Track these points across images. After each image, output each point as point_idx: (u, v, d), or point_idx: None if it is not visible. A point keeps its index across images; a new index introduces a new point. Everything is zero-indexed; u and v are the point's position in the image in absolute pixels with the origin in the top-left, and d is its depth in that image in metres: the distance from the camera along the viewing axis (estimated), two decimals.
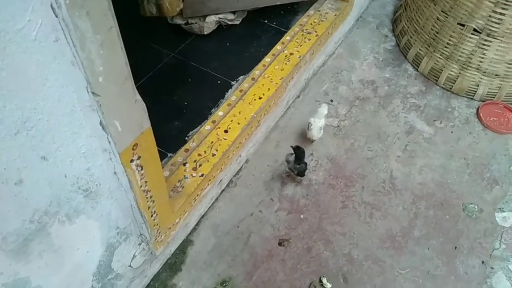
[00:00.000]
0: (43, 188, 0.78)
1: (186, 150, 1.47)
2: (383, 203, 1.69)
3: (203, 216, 1.60)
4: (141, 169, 0.98)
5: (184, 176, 1.38)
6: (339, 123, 1.95)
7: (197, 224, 1.57)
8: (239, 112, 1.57)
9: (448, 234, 1.61)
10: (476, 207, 1.70)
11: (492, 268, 1.54)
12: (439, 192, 1.73)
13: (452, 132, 1.96)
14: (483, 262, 1.55)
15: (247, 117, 1.56)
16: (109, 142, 0.86)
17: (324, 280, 1.45)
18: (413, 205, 1.69)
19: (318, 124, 1.76)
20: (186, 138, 1.52)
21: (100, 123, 0.81)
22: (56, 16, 0.63)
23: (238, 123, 1.54)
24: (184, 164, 1.42)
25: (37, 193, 0.77)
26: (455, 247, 1.58)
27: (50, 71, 0.67)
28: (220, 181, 1.62)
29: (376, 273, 1.50)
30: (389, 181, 1.76)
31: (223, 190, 1.68)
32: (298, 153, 1.61)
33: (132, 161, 0.93)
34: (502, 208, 1.70)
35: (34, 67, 0.65)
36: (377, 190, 1.72)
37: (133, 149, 0.92)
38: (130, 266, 1.21)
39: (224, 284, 1.43)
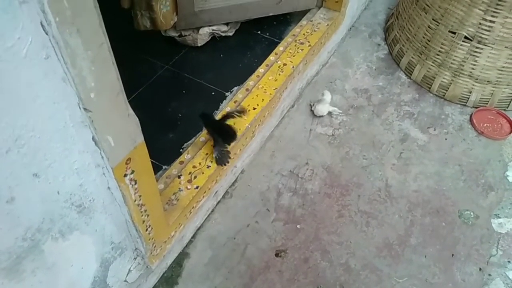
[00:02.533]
0: (36, 205, 0.77)
1: (181, 162, 1.46)
2: (379, 211, 1.69)
3: (199, 228, 1.59)
4: (135, 184, 0.97)
5: (179, 188, 1.38)
6: (334, 132, 1.95)
7: (193, 237, 1.57)
8: (234, 123, 1.57)
9: (445, 242, 1.61)
10: (472, 213, 1.70)
11: (489, 275, 1.53)
12: (434, 199, 1.74)
13: (446, 139, 1.96)
14: (480, 269, 1.55)
15: (242, 128, 1.56)
16: (102, 157, 0.85)
17: None
18: (409, 213, 1.69)
19: (325, 105, 1.97)
20: (181, 150, 1.52)
21: (93, 138, 0.81)
22: (46, 34, 0.63)
23: None
24: (179, 177, 1.41)
25: (29, 211, 0.76)
26: (452, 255, 1.58)
27: (41, 88, 0.67)
28: (216, 192, 1.61)
29: (373, 283, 1.49)
30: (384, 189, 1.76)
31: (218, 202, 1.67)
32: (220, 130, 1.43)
33: (125, 175, 0.93)
34: (498, 214, 1.70)
35: (25, 85, 0.64)
36: (373, 199, 1.72)
37: (126, 163, 0.91)
38: (125, 281, 1.20)
39: None
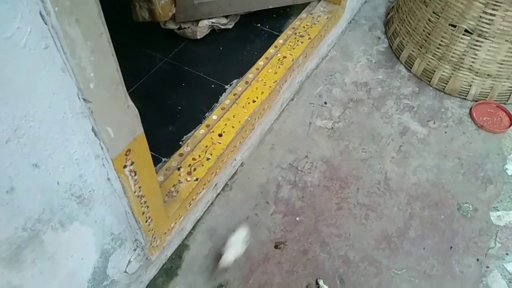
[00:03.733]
0: (36, 195, 0.77)
1: (181, 155, 1.46)
2: (378, 204, 1.69)
3: (198, 221, 1.59)
4: (135, 175, 0.97)
5: (179, 180, 1.38)
6: (333, 125, 1.95)
7: (193, 229, 1.57)
8: (233, 116, 1.58)
9: (444, 234, 1.62)
10: (470, 206, 1.70)
11: (487, 267, 1.54)
12: (433, 192, 1.74)
13: (445, 132, 1.97)
14: (478, 261, 1.55)
15: (241, 121, 1.56)
16: (102, 148, 0.85)
17: (321, 282, 1.45)
18: (408, 206, 1.69)
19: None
20: (180, 143, 1.52)
21: (92, 129, 0.81)
22: (46, 24, 0.62)
23: (232, 127, 1.54)
24: (179, 169, 1.41)
25: (29, 201, 0.77)
26: (451, 247, 1.59)
27: (40, 79, 0.67)
28: (215, 185, 1.62)
29: (372, 274, 1.50)
30: (384, 182, 1.76)
31: (218, 194, 1.68)
32: None
33: (125, 167, 0.93)
34: (497, 207, 1.71)
35: (24, 75, 0.64)
36: (372, 191, 1.73)
37: (126, 155, 0.92)
38: (125, 272, 1.20)
39: None
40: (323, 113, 2.00)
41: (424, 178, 1.78)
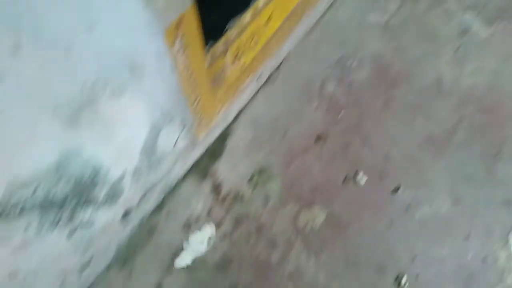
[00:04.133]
0: (91, 58, 0.78)
1: (227, 40, 1.42)
2: (427, 105, 1.63)
3: (242, 109, 1.60)
4: (184, 50, 0.96)
5: (225, 66, 1.36)
6: (388, 21, 1.82)
7: (237, 117, 1.59)
8: (282, 2, 1.49)
9: (493, 140, 1.56)
10: None
11: None
12: (488, 97, 1.65)
13: None
14: None
15: (290, 7, 1.47)
16: (153, 17, 0.83)
17: (361, 174, 1.47)
18: (459, 109, 1.62)
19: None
20: (227, 28, 1.47)
21: None
22: None
23: (281, 13, 1.46)
24: (225, 54, 1.39)
25: (85, 63, 0.77)
26: (498, 153, 1.54)
27: None
28: (260, 75, 1.59)
29: (412, 173, 1.50)
30: (436, 83, 1.68)
31: (262, 85, 1.66)
32: None
33: (175, 39, 0.91)
34: None
35: None
36: (422, 92, 1.66)
37: (176, 27, 0.89)
38: (173, 148, 1.25)
39: (261, 172, 1.48)
40: (377, 7, 1.86)
41: (480, 82, 1.68)
